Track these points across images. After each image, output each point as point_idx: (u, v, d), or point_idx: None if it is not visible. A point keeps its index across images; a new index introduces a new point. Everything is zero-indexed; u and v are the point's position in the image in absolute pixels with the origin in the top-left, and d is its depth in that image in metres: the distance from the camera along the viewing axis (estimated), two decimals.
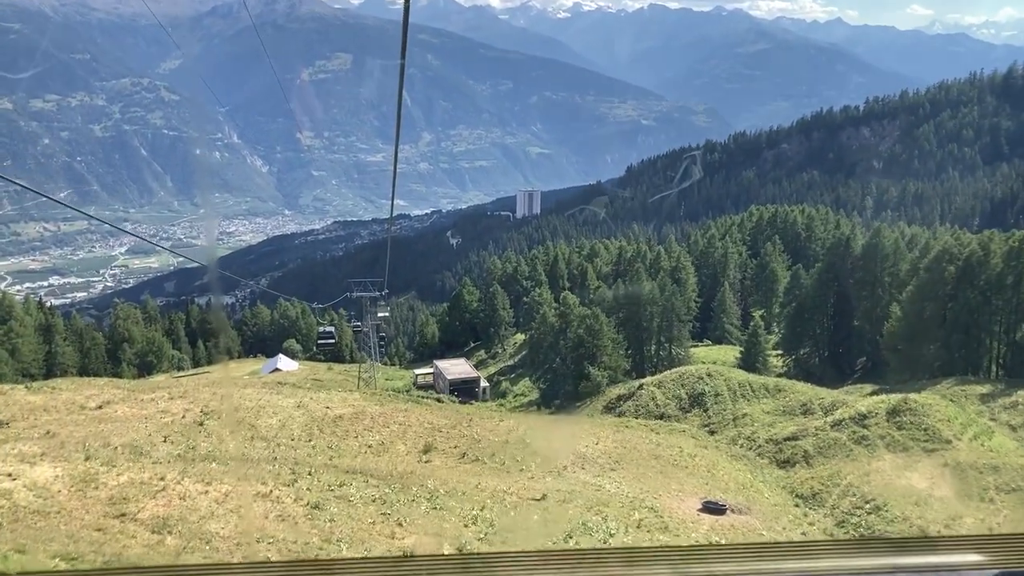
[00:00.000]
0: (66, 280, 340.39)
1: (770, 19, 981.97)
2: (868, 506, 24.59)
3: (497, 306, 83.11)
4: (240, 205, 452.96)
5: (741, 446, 35.19)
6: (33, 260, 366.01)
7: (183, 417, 27.46)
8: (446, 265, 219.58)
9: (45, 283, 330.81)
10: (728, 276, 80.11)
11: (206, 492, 17.06)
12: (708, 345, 75.29)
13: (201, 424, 26.90)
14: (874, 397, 34.47)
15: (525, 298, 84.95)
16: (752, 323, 59.64)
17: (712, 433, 38.25)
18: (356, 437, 28.51)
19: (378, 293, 48.74)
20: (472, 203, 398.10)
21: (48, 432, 23.44)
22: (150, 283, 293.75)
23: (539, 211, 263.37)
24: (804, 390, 40.59)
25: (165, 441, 24.19)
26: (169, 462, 20.13)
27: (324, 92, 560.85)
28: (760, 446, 34.74)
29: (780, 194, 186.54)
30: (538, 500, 21.06)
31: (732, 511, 22.50)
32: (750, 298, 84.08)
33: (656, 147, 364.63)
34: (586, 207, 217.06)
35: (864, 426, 31.40)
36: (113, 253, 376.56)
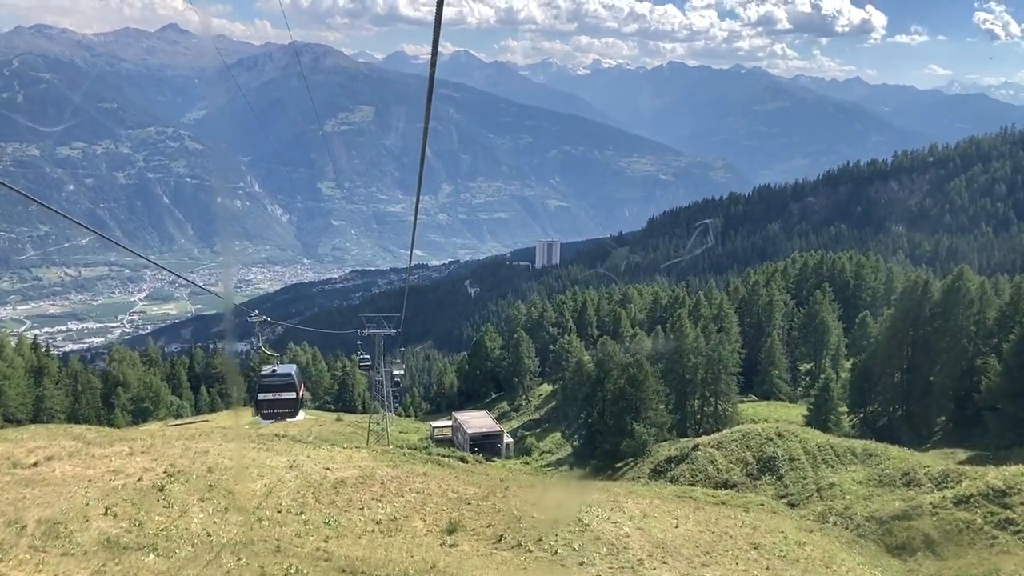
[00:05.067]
0: (84, 325, 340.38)
1: (788, 77, 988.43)
2: None
3: (522, 354, 76.86)
4: (259, 253, 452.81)
5: (835, 524, 28.44)
6: (53, 304, 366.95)
7: (139, 480, 21.38)
8: (464, 315, 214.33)
9: (63, 328, 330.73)
10: (775, 326, 73.48)
11: None
12: (755, 401, 68.30)
13: (161, 489, 20.79)
14: (1010, 468, 27.72)
15: (552, 346, 78.89)
16: (823, 376, 52.80)
17: (793, 506, 31.51)
18: (361, 509, 22.27)
19: (393, 331, 42.64)
20: (490, 254, 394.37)
21: None
22: (167, 329, 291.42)
23: (558, 261, 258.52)
24: (901, 455, 33.81)
25: (106, 514, 18.11)
26: (88, 552, 14.01)
27: (346, 143, 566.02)
28: (859, 525, 27.97)
29: (807, 247, 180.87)
30: None
31: None
32: (797, 350, 77.25)
33: (674, 201, 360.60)
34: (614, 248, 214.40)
35: (1005, 506, 24.69)
36: (132, 299, 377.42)
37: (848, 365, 61.58)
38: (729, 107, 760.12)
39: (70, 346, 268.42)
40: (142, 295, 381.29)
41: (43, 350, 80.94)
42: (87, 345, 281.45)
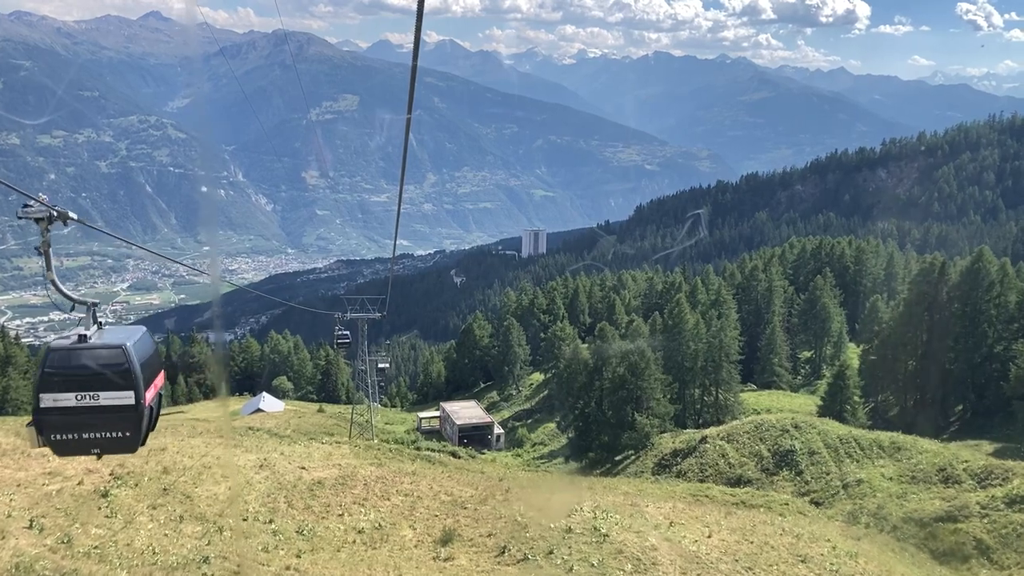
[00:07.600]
0: (67, 316, 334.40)
1: (774, 67, 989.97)
2: None
3: (512, 342, 73.94)
4: (243, 243, 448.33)
5: (867, 526, 25.71)
6: (34, 295, 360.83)
7: (79, 483, 18.22)
8: (450, 304, 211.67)
9: (45, 318, 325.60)
10: (775, 312, 70.86)
11: None
12: (755, 390, 65.75)
13: (104, 495, 17.66)
14: None
15: (543, 334, 76.05)
16: (838, 363, 50.15)
17: (817, 505, 28.80)
18: (341, 515, 19.24)
19: (377, 315, 39.52)
20: (475, 244, 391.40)
21: None
22: (151, 319, 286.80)
23: (545, 251, 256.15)
24: (933, 449, 31.10)
25: (30, 527, 14.98)
26: None
27: (330, 132, 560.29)
28: (896, 527, 25.26)
29: (795, 236, 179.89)
30: None
31: None
32: (796, 337, 74.72)
33: (659, 191, 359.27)
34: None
35: None
36: (115, 289, 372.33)
37: (858, 351, 58.87)
38: (714, 97, 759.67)
39: (51, 337, 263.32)
40: (125, 285, 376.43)
41: (12, 339, 77.10)
42: None
